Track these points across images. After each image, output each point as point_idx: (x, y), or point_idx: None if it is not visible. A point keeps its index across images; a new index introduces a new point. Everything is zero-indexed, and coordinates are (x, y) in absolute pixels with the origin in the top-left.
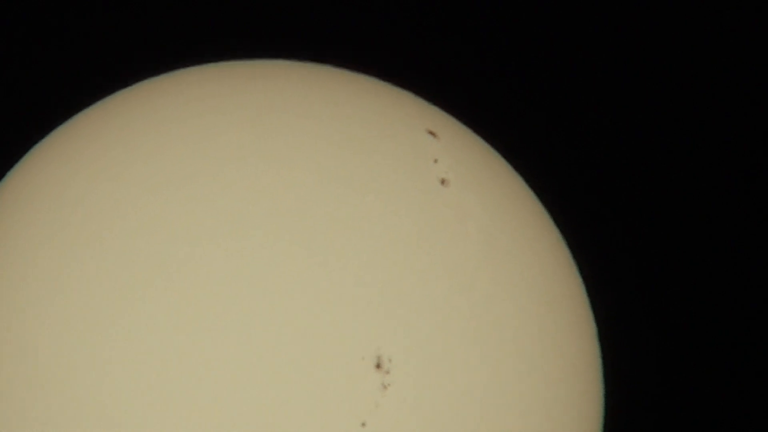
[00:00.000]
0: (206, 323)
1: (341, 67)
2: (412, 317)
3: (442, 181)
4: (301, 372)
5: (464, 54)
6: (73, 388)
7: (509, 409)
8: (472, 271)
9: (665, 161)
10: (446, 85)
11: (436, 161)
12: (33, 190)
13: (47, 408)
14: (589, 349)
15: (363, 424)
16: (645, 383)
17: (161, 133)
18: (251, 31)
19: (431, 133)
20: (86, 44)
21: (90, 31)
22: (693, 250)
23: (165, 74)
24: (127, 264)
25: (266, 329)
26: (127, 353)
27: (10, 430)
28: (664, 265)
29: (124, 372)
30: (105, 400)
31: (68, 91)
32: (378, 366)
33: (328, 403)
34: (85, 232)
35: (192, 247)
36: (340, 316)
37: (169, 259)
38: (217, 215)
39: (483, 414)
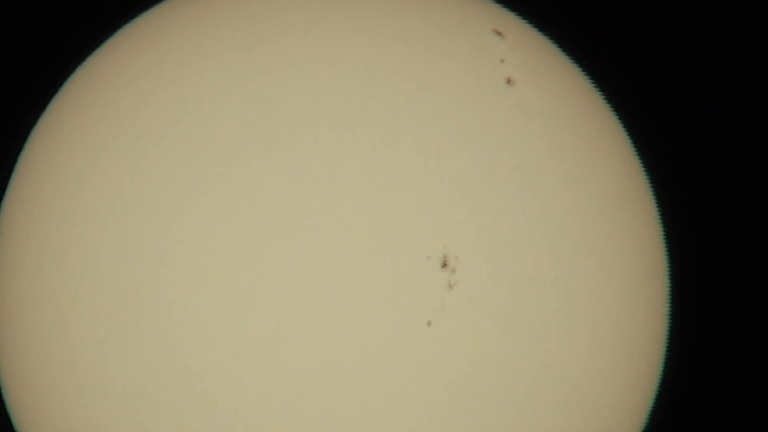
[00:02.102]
0: (273, 222)
1: None
2: (478, 216)
3: (508, 81)
4: (366, 272)
5: None
6: (144, 278)
7: (576, 309)
8: (538, 170)
9: (734, 64)
10: None
11: (502, 61)
12: (102, 88)
13: (115, 289)
14: (656, 249)
15: (428, 323)
16: (711, 286)
17: (219, 37)
18: None
19: (498, 33)
20: None
21: None
22: (761, 151)
23: None
24: (192, 165)
25: (331, 229)
26: (196, 253)
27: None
28: (731, 167)
29: (189, 272)
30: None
31: None
32: (444, 265)
33: (393, 303)
34: (153, 131)
35: (258, 147)
36: (405, 215)
37: (235, 159)
38: (282, 114)
39: (549, 314)
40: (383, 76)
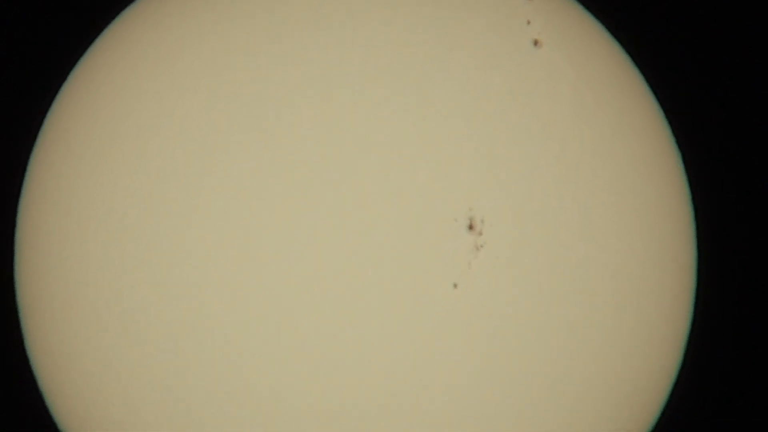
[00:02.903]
0: (300, 182)
1: None
2: (504, 178)
3: (535, 42)
4: (393, 234)
5: None
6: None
7: (603, 269)
8: (565, 133)
9: (764, 24)
10: None
11: (529, 22)
12: (132, 47)
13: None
14: (683, 209)
15: (455, 285)
16: (737, 248)
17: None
18: None
19: None
20: None
21: None
22: None
23: None
24: (220, 120)
25: (357, 191)
26: (223, 216)
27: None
28: (760, 135)
29: (215, 235)
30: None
31: None
32: (470, 227)
33: (420, 265)
34: (179, 93)
35: (285, 106)
36: (432, 177)
37: (267, 113)
38: (310, 74)
39: (576, 275)
40: (410, 38)
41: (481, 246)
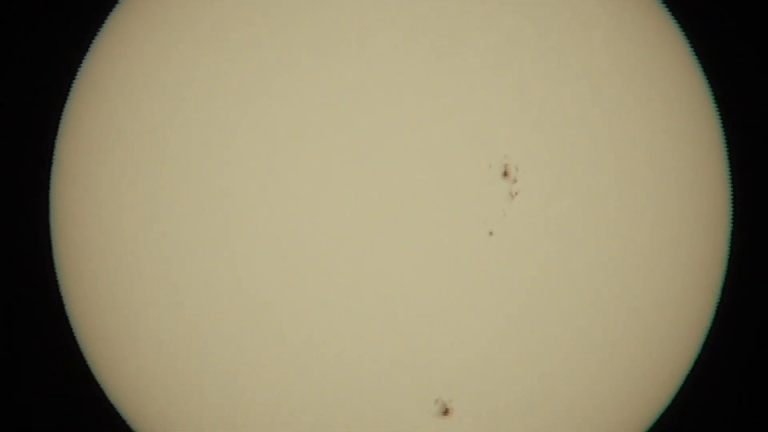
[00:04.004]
0: (339, 130)
1: None
2: (539, 125)
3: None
4: (428, 182)
5: None
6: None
7: (637, 217)
8: (599, 80)
9: None
10: None
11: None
12: None
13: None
14: (718, 162)
15: (490, 233)
16: None
17: None
18: None
19: None
20: None
21: None
22: None
23: None
24: (261, 63)
25: (392, 138)
26: (271, 155)
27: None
28: None
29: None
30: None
31: None
32: (505, 174)
33: (455, 213)
34: (218, 33)
35: (321, 54)
36: (466, 125)
37: (300, 66)
38: (346, 19)
39: (610, 223)
40: None
41: (516, 193)
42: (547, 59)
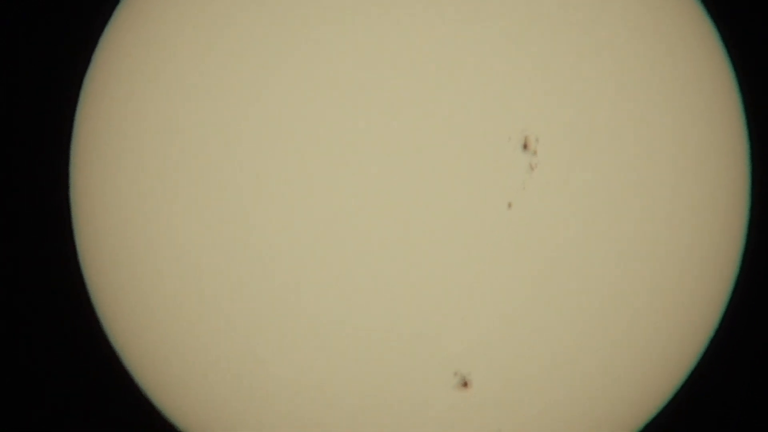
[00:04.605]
0: (359, 101)
1: None
2: (559, 97)
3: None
4: (447, 153)
5: None
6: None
7: (658, 190)
8: (619, 51)
9: None
10: None
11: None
12: None
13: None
14: (738, 132)
15: (509, 205)
16: None
17: None
18: None
19: None
20: None
21: None
22: None
23: None
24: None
25: (411, 110)
26: (290, 127)
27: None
28: None
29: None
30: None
31: None
32: (525, 146)
33: (474, 184)
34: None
35: (335, 21)
36: (486, 96)
37: (323, 41)
38: None
39: (630, 195)
40: None
41: (536, 165)
42: (569, 31)
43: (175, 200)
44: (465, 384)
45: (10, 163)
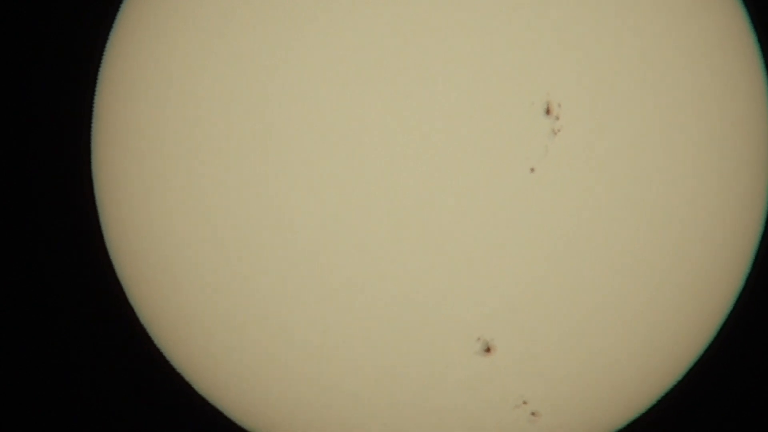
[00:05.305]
0: (382, 65)
1: None
2: (581, 62)
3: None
4: (470, 118)
5: None
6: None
7: (678, 153)
8: (642, 17)
9: None
10: None
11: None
12: None
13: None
14: (761, 104)
15: (532, 170)
16: None
17: None
18: None
19: None
20: None
21: None
22: None
23: None
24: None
25: (435, 76)
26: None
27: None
28: None
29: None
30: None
31: None
32: (547, 111)
33: (497, 149)
34: None
35: None
36: (509, 62)
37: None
38: None
39: (651, 160)
40: None
41: (558, 130)
42: None
43: (199, 170)
44: (488, 350)
45: (31, 139)
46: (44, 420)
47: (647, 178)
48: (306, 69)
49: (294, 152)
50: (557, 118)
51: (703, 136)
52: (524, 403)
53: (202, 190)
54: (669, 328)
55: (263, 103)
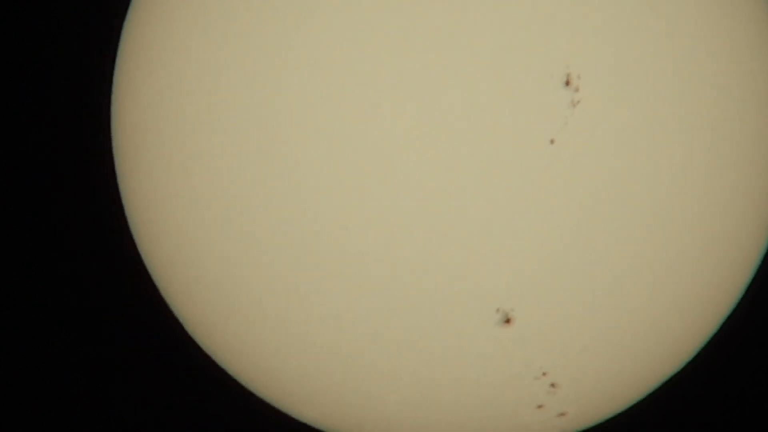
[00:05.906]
0: (396, 38)
1: None
2: (601, 33)
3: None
4: (489, 90)
5: None
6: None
7: (698, 125)
8: None
9: None
10: None
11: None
12: None
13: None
14: None
15: (551, 141)
16: None
17: None
18: None
19: None
20: None
21: None
22: None
23: None
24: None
25: (453, 48)
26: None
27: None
28: None
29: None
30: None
31: None
32: (567, 83)
33: (516, 121)
34: None
35: None
36: (528, 33)
37: None
38: None
39: (671, 133)
40: None
41: (578, 102)
42: None
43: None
44: (507, 320)
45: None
46: (76, 407)
47: (666, 150)
48: (323, 40)
49: (319, 132)
50: (577, 90)
51: (720, 110)
52: (544, 374)
53: (233, 175)
54: (692, 299)
55: (305, 81)
